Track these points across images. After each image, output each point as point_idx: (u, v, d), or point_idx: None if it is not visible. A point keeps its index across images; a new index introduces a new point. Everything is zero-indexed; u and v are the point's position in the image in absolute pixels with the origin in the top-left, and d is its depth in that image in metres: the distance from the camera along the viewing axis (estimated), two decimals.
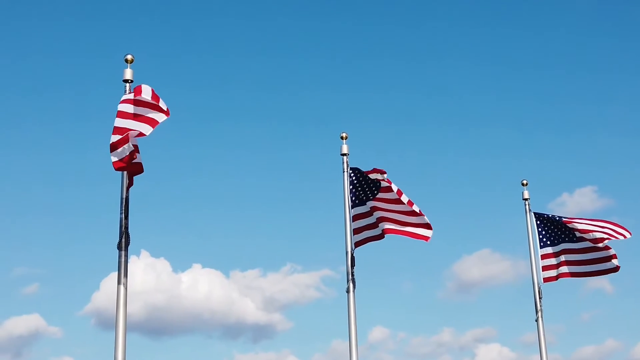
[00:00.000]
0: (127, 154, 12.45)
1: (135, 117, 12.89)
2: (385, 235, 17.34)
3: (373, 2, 59.19)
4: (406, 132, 56.20)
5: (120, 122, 12.81)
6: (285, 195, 54.90)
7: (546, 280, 20.65)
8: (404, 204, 16.96)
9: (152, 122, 12.86)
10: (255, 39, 58.62)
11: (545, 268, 20.69)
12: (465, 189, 54.33)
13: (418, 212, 16.99)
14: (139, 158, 12.62)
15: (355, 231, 17.28)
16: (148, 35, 56.17)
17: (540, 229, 21.00)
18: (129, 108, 13.00)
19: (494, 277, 52.89)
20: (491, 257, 52.94)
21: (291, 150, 55.83)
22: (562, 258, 20.55)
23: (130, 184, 13.04)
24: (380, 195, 17.16)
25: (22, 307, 48.74)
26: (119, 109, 13.01)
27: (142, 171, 12.84)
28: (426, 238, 17.15)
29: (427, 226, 17.09)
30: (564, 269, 20.52)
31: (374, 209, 17.30)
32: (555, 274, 20.60)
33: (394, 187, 17.02)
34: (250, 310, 47.98)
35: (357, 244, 17.21)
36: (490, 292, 53.02)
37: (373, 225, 17.36)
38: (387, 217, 17.19)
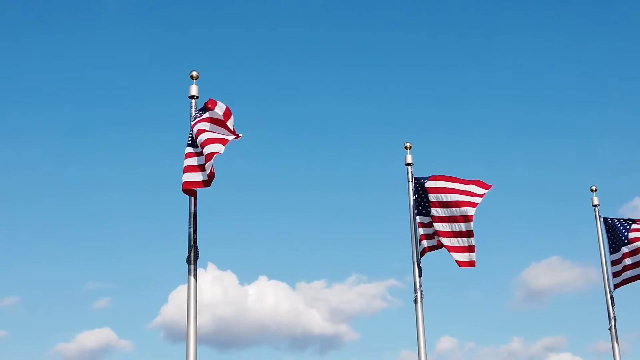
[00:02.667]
0: (200, 179, 12.73)
1: (211, 133, 13.11)
2: (440, 247, 17.07)
3: (437, 12, 58.90)
4: (471, 141, 55.67)
5: (192, 145, 13.04)
6: (350, 206, 54.89)
7: (616, 286, 20.29)
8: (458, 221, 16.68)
9: (224, 141, 13.04)
10: (317, 50, 58.86)
11: (615, 274, 20.33)
12: (534, 196, 53.55)
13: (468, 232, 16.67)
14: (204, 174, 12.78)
15: (419, 240, 17.18)
16: (213, 51, 56.92)
17: (609, 235, 20.65)
18: (205, 126, 13.22)
19: (564, 284, 51.97)
20: (561, 264, 52.04)
21: (355, 160, 55.83)
22: (625, 262, 20.18)
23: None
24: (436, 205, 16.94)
25: (94, 321, 49.67)
26: (194, 130, 13.19)
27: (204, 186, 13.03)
28: (465, 264, 16.47)
29: (471, 249, 16.60)
30: (627, 273, 20.14)
31: (433, 219, 17.08)
32: (619, 280, 20.23)
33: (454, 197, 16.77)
34: (316, 321, 48.06)
35: (421, 253, 17.10)
36: (561, 300, 52.11)
37: (431, 236, 17.16)
38: (441, 231, 16.87)
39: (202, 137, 12.92)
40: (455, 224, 16.55)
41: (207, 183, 12.77)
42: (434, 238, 17.01)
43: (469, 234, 16.38)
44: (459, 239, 16.54)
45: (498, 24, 58.43)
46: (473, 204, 16.46)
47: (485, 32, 58.09)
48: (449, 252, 16.57)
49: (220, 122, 13.29)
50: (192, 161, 12.93)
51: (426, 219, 17.12)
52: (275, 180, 55.59)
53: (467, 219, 16.39)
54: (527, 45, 57.51)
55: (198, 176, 12.78)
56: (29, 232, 51.09)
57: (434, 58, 58.03)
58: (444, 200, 16.65)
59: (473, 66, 57.70)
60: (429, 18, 58.57)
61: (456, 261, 16.46)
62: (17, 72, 54.62)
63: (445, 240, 16.64)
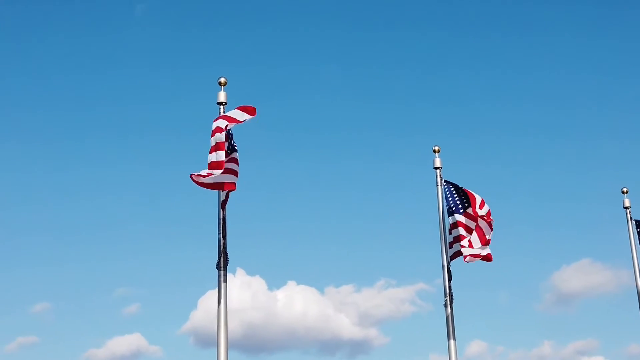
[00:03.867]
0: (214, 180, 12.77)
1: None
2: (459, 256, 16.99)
3: (465, 12, 58.73)
4: (500, 143, 55.34)
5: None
6: (378, 210, 54.77)
7: None
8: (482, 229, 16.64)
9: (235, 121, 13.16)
10: (347, 52, 58.87)
11: None
12: (564, 199, 53.13)
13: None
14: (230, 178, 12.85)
15: (450, 244, 17.10)
16: (241, 56, 57.17)
17: None
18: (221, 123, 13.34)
19: (595, 287, 51.46)
20: (592, 267, 51.56)
21: (384, 163, 55.68)
22: None
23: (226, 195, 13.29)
24: (469, 210, 16.83)
25: (124, 327, 49.99)
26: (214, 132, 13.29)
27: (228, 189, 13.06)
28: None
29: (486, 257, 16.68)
30: None
31: (458, 224, 16.96)
32: None
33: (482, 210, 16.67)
34: (345, 326, 47.99)
35: (452, 257, 17.02)
36: (592, 303, 51.59)
37: (457, 239, 17.05)
38: (464, 237, 16.77)
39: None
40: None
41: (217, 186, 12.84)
42: (456, 243, 16.93)
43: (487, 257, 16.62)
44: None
45: (534, 24, 58.14)
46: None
47: (514, 29, 57.84)
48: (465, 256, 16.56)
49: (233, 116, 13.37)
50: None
51: (453, 220, 17.06)
52: (303, 184, 55.71)
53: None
54: (558, 46, 57.16)
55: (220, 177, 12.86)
56: (59, 238, 51.61)
57: (463, 58, 57.85)
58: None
59: (502, 65, 57.41)
60: (459, 19, 58.42)
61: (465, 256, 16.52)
62: (44, 76, 55.25)
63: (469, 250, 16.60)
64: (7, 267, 48.77)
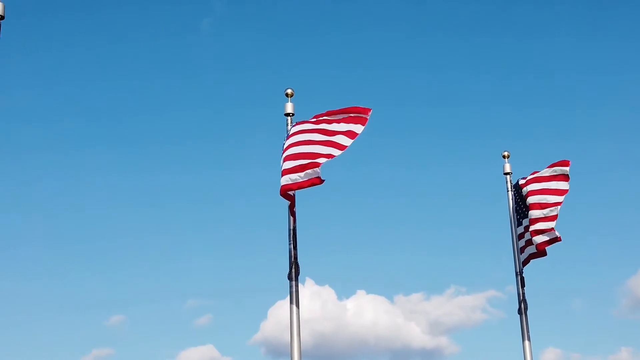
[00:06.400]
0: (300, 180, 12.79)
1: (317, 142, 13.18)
2: (545, 251, 16.68)
3: (540, 17, 58.08)
4: (570, 148, 54.39)
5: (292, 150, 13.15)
6: (448, 216, 54.32)
7: None
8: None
9: (350, 134, 13.16)
10: (415, 56, 58.66)
11: None
12: (636, 200, 51.97)
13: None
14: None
15: (521, 250, 16.89)
16: (309, 69, 57.54)
17: None
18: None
19: None
20: None
21: (453, 169, 55.20)
22: None
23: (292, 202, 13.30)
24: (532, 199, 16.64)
25: (197, 338, 50.49)
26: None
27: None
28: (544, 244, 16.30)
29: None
30: None
31: (531, 222, 16.72)
32: None
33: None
34: (416, 334, 47.72)
35: (524, 263, 16.80)
36: None
37: (530, 242, 16.81)
38: (538, 230, 16.48)
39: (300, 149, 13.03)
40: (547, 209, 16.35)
41: (306, 183, 12.84)
42: (532, 244, 16.70)
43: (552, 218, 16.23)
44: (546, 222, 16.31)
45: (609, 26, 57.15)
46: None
47: (588, 33, 56.94)
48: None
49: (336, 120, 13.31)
50: (289, 164, 13.05)
51: (523, 227, 16.86)
52: (371, 192, 55.53)
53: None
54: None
55: (296, 177, 12.90)
56: (133, 250, 52.50)
57: (537, 64, 57.12)
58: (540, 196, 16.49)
59: (576, 71, 56.52)
60: (527, 22, 57.79)
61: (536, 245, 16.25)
62: (112, 90, 56.58)
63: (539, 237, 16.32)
64: (83, 281, 49.98)
